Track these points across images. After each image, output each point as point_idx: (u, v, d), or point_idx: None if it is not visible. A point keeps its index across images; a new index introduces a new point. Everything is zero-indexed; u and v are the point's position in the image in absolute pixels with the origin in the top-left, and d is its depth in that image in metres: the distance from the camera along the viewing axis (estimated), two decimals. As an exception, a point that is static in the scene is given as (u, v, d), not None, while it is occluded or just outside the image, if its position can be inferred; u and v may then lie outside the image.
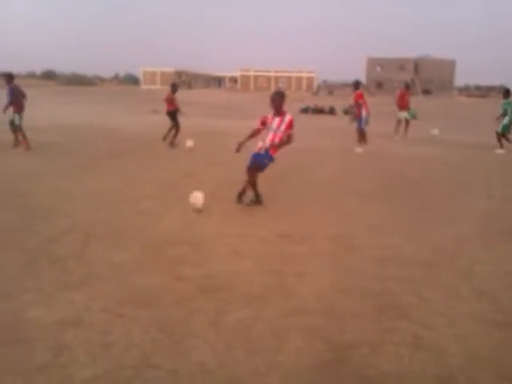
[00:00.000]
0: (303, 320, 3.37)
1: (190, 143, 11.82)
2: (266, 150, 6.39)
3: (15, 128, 10.94)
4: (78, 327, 3.14)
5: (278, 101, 6.41)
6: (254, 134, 6.58)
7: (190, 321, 3.30)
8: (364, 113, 12.80)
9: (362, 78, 77.67)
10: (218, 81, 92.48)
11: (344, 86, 69.21)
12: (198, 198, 6.09)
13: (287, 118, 6.40)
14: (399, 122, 16.24)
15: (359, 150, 12.42)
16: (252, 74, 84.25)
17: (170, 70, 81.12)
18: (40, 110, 21.06)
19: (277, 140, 6.37)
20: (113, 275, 4.03)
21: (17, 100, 10.89)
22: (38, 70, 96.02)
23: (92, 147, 11.62)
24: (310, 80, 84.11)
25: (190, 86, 74.64)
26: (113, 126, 16.84)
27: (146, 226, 5.51)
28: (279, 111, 6.43)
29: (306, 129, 16.65)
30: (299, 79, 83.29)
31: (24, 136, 10.95)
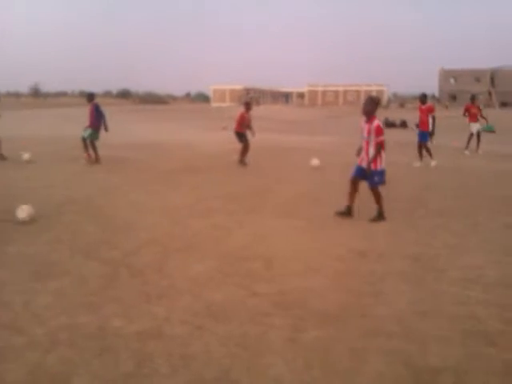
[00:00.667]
0: (382, 342, 3.27)
1: (315, 162, 11.41)
2: (369, 167, 6.27)
3: (91, 143, 11.68)
4: (159, 338, 3.25)
5: (369, 105, 6.30)
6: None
7: (267, 337, 3.30)
8: (431, 127, 12.51)
9: (435, 91, 75.19)
10: (286, 96, 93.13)
11: (415, 98, 67.33)
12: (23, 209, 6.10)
13: (374, 124, 6.22)
14: (471, 135, 15.56)
15: (434, 163, 12.02)
16: (320, 89, 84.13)
17: (238, 87, 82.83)
18: (116, 128, 22.20)
19: (371, 150, 6.27)
20: (190, 288, 4.13)
21: (95, 117, 11.65)
22: (114, 89, 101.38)
23: (165, 163, 12.04)
24: (380, 93, 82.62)
25: (257, 103, 75.69)
26: (184, 143, 17.39)
27: (220, 240, 5.61)
28: (369, 117, 6.28)
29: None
30: (369, 93, 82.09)
31: (87, 150, 11.67)
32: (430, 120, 12.46)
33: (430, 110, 12.51)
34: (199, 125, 30.26)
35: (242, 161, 11.93)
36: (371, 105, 6.29)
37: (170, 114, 44.34)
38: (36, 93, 78.69)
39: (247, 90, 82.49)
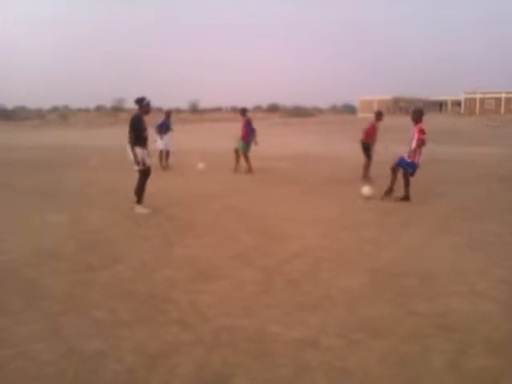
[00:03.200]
0: None
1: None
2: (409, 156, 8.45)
3: (241, 154, 12.57)
4: (316, 349, 3.26)
5: (412, 115, 8.65)
6: None
7: (428, 359, 3.11)
8: None
9: None
10: (439, 105, 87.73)
11: None
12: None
13: (417, 127, 8.39)
14: None
15: None
16: (478, 96, 77.64)
17: (387, 97, 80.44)
18: (265, 140, 23.13)
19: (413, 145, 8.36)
20: (344, 301, 4.10)
21: (247, 131, 12.44)
22: (264, 103, 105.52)
23: (313, 174, 12.19)
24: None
25: (407, 113, 72.66)
26: (330, 154, 17.43)
27: (371, 253, 5.48)
28: (415, 122, 8.50)
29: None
30: (536, 100, 73.38)
31: (238, 161, 12.64)
32: None
33: None
34: (343, 136, 30.04)
35: (366, 175, 10.99)
36: (413, 115, 8.61)
37: (315, 127, 44.80)
38: (194, 109, 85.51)
39: (396, 100, 79.76)
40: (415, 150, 8.31)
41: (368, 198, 8.54)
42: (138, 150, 7.58)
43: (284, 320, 3.73)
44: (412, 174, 8.48)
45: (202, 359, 3.17)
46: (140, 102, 7.69)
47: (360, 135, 11.24)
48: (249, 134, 12.42)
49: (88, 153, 18.63)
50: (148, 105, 7.74)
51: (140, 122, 7.67)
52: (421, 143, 8.22)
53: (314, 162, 15.06)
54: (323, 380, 2.88)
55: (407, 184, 8.41)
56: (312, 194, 9.43)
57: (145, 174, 7.76)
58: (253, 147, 12.58)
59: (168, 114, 13.94)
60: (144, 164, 7.66)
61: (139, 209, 7.69)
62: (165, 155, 13.51)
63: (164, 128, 13.57)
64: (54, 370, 3.06)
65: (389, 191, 8.70)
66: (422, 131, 8.27)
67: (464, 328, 3.57)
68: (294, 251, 5.54)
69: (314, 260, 5.21)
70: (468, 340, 3.38)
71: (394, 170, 8.64)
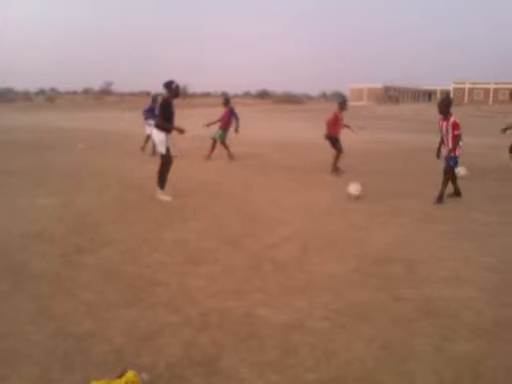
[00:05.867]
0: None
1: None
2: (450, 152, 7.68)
3: (216, 142, 12.42)
4: (302, 331, 3.32)
5: (439, 106, 7.75)
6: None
7: (413, 343, 3.18)
8: None
9: None
10: (428, 95, 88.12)
11: None
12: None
13: (450, 120, 7.62)
14: None
15: None
16: (467, 86, 77.96)
17: (377, 85, 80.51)
18: (250, 127, 23.08)
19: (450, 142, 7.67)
20: (331, 285, 4.16)
21: (228, 120, 12.45)
22: (254, 89, 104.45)
23: (303, 161, 12.25)
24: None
25: (397, 101, 72.93)
26: (319, 142, 17.39)
27: (359, 240, 5.54)
28: (445, 115, 7.70)
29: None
30: (524, 90, 73.89)
31: (212, 149, 12.39)
32: None
33: None
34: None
35: (336, 168, 10.49)
36: (441, 106, 7.70)
37: (304, 114, 44.71)
38: (184, 93, 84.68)
39: (386, 88, 79.90)
40: (454, 147, 7.61)
41: (357, 198, 7.71)
42: (166, 136, 7.46)
43: (272, 303, 3.78)
44: (454, 167, 7.82)
45: (190, 340, 3.20)
46: (169, 85, 7.43)
47: (325, 130, 10.65)
48: (229, 123, 12.48)
49: (75, 135, 18.44)
50: (177, 88, 7.53)
51: (170, 107, 7.45)
52: (458, 139, 7.63)
53: (303, 149, 15.07)
54: (310, 362, 2.94)
55: (446, 181, 7.70)
56: (301, 181, 9.46)
57: (169, 160, 7.62)
58: (232, 134, 12.53)
59: (154, 98, 13.72)
60: (168, 150, 7.53)
61: (161, 195, 7.56)
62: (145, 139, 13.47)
63: (151, 113, 13.42)
64: (43, 350, 3.08)
65: (456, 194, 8.00)
66: (456, 126, 7.61)
67: (448, 314, 3.65)
68: (282, 237, 5.58)
69: (301, 245, 5.26)
70: (452, 325, 3.45)
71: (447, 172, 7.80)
